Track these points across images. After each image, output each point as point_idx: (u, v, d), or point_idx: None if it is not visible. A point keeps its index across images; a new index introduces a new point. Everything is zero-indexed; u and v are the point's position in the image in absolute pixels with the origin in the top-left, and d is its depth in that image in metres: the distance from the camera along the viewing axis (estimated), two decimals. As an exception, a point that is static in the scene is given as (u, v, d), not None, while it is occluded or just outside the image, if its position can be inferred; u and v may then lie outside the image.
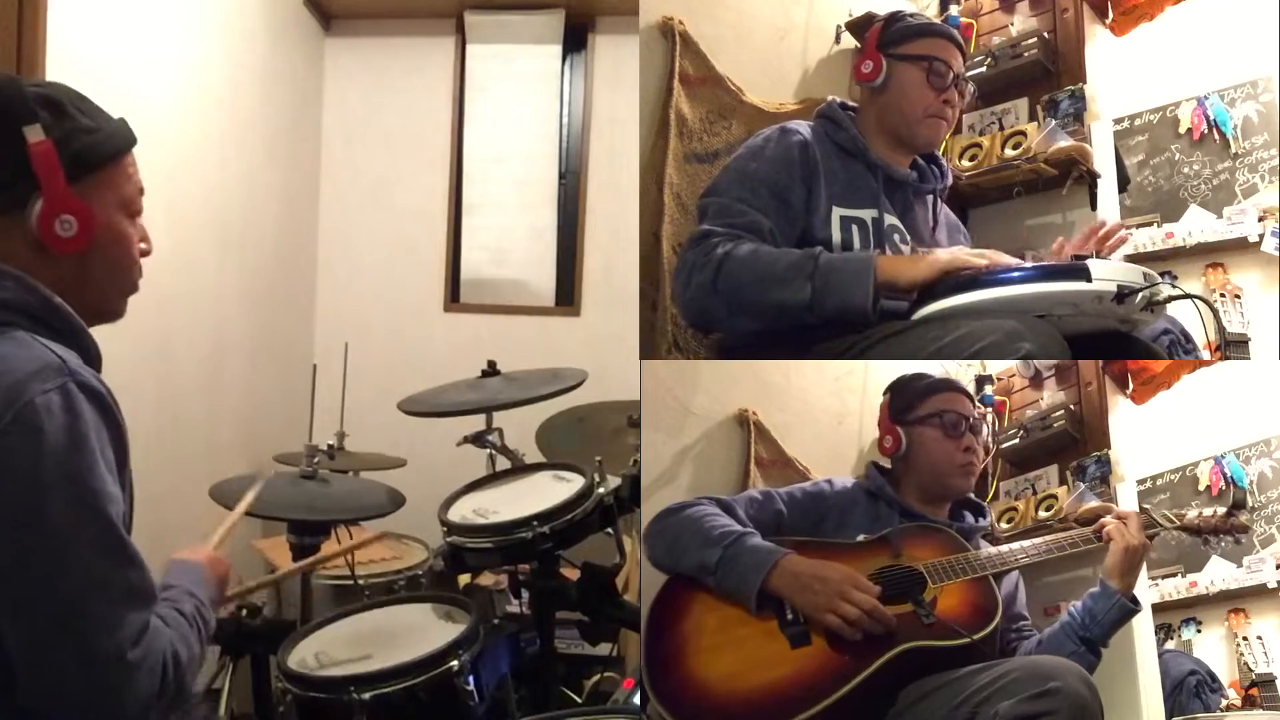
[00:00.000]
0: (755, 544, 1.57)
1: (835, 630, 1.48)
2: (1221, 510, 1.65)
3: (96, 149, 1.25)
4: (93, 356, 1.25)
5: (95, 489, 1.13)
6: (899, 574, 1.57)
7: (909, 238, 1.71)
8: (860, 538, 1.66)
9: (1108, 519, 1.64)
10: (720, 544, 1.56)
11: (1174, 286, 1.47)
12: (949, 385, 1.77)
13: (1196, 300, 1.50)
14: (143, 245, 1.34)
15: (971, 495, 1.79)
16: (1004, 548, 1.64)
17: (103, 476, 1.14)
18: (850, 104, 1.78)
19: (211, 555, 1.43)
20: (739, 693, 1.47)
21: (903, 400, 1.76)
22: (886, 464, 1.78)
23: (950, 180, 1.84)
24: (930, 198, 1.79)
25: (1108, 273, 1.43)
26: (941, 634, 1.48)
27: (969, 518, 1.76)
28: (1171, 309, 1.52)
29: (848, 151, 1.71)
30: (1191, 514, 1.67)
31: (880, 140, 1.73)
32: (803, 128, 1.71)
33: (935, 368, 1.81)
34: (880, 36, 1.71)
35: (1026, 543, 1.65)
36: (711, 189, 1.69)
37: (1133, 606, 1.58)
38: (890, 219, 1.70)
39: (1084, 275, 1.42)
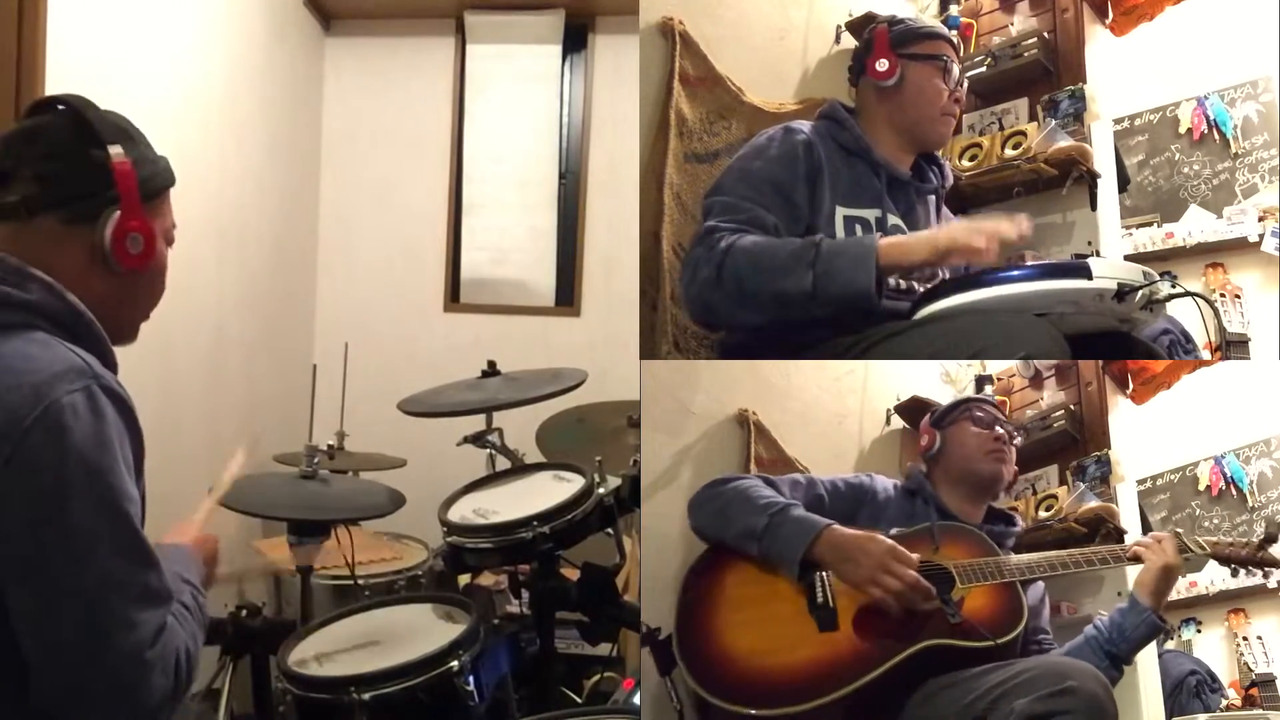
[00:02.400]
0: (801, 514, 1.59)
1: (878, 602, 1.49)
2: (1255, 540, 1.64)
3: (157, 178, 1.32)
4: (111, 364, 1.27)
5: (117, 489, 1.14)
6: (929, 571, 1.57)
7: None
8: (894, 532, 1.67)
9: (1145, 539, 1.65)
10: (767, 511, 1.59)
11: (1174, 285, 1.48)
12: (981, 400, 1.83)
13: (1197, 298, 1.51)
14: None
15: (1003, 508, 1.81)
16: (1033, 556, 1.65)
17: (124, 477, 1.16)
18: (848, 105, 1.79)
19: (198, 536, 1.44)
20: (763, 669, 1.50)
21: (940, 413, 1.82)
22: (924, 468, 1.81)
23: (951, 181, 1.85)
24: (932, 198, 1.80)
25: (1108, 271, 1.43)
26: (966, 634, 1.49)
27: (1000, 524, 1.78)
28: (1171, 309, 1.52)
29: (851, 151, 1.72)
30: (1225, 543, 1.66)
31: (889, 140, 1.74)
32: (806, 127, 1.72)
33: (935, 367, 1.82)
34: (889, 36, 1.74)
35: (1057, 553, 1.65)
36: (715, 188, 1.70)
37: (1161, 624, 1.59)
38: (893, 219, 1.71)
39: (1085, 273, 1.43)
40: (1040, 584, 1.73)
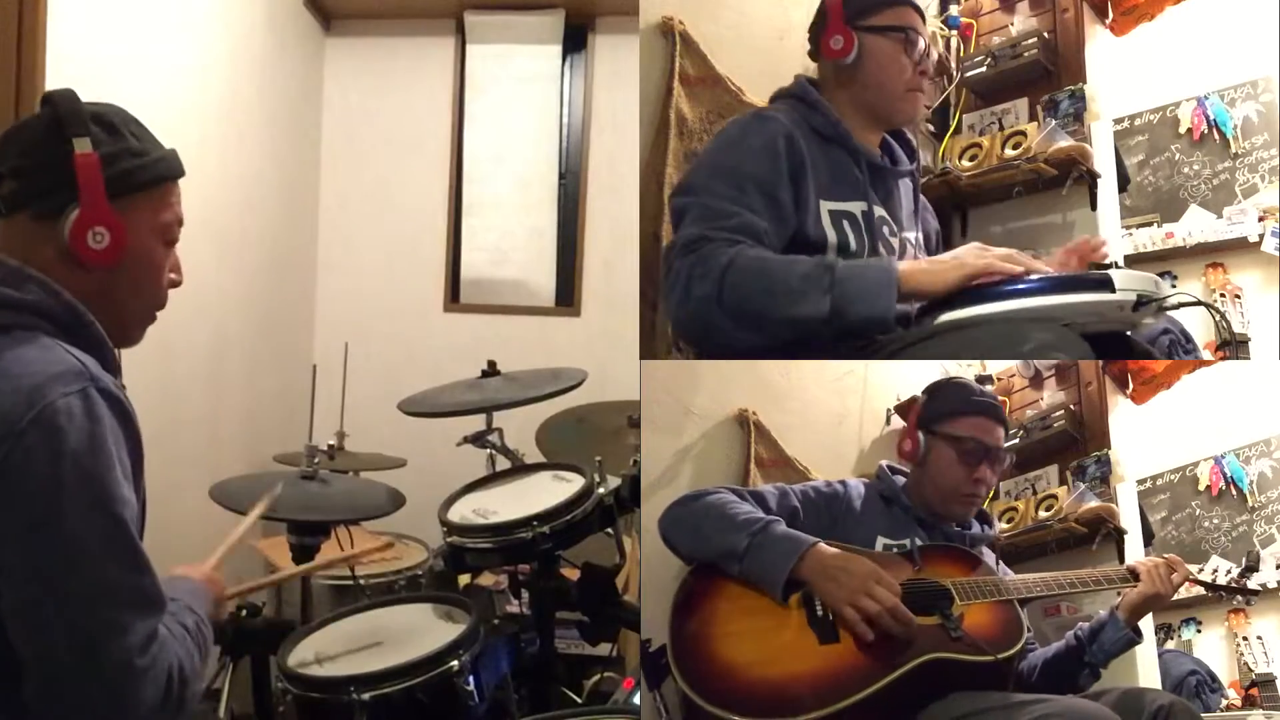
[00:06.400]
0: (784, 532, 1.54)
1: (852, 625, 1.46)
2: (1237, 570, 1.70)
3: (142, 171, 1.28)
4: (112, 365, 1.26)
5: (111, 493, 1.13)
6: (927, 587, 1.56)
7: (896, 229, 1.64)
8: (880, 545, 1.65)
9: (1149, 561, 1.64)
10: (747, 530, 1.52)
11: (1188, 294, 1.47)
12: (986, 410, 1.71)
13: (1210, 308, 1.52)
14: (173, 275, 1.36)
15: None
16: (1032, 576, 1.64)
17: (119, 481, 1.15)
18: (813, 79, 1.68)
19: (208, 574, 1.44)
20: (764, 679, 1.47)
21: (935, 409, 1.72)
22: (900, 465, 1.76)
23: (920, 156, 1.78)
24: (908, 180, 1.71)
25: (1129, 283, 1.40)
26: (968, 649, 1.48)
27: (975, 525, 1.73)
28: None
29: (826, 137, 1.59)
30: (1207, 572, 1.72)
31: (854, 120, 1.62)
32: (781, 115, 1.58)
33: (935, 367, 1.81)
34: (844, 8, 1.59)
35: (1056, 574, 1.65)
36: (687, 187, 1.56)
37: (1136, 638, 1.60)
38: (878, 210, 1.61)
39: (1108, 286, 1.39)
40: None
